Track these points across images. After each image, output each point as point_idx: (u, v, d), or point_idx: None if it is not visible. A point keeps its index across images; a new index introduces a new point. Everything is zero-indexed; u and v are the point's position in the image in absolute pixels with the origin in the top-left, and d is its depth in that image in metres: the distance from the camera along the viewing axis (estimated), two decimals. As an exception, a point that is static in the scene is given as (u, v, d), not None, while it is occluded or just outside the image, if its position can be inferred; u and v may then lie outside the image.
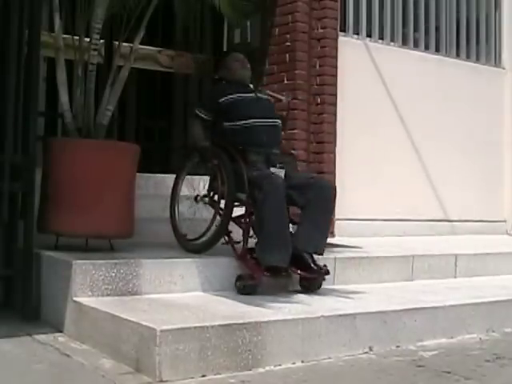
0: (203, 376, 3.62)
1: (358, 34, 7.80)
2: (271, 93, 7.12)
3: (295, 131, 6.98)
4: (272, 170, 4.96)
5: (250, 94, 5.31)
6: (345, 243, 6.32)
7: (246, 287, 4.66)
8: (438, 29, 8.58)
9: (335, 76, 7.23)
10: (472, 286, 5.66)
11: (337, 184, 6.10)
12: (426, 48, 8.44)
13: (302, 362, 3.97)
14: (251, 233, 4.89)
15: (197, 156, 5.29)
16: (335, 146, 7.10)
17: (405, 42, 8.25)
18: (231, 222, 4.98)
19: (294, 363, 3.94)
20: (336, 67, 7.25)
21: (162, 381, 3.51)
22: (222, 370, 3.68)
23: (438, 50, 8.54)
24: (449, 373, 3.86)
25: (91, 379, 3.53)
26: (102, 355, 3.90)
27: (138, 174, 5.03)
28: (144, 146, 5.15)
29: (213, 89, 5.63)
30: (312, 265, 4.81)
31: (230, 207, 4.89)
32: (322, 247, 4.88)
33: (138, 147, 5.01)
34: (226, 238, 4.99)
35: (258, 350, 3.82)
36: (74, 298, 4.27)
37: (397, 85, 7.82)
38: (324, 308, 4.33)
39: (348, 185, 6.99)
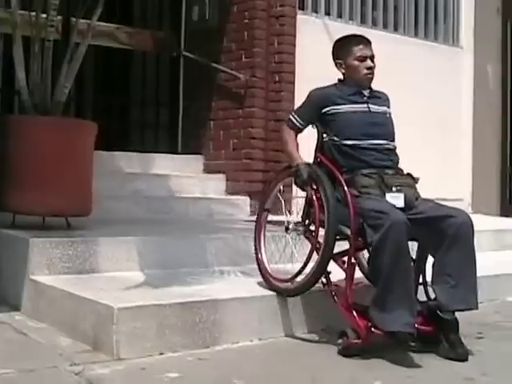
0: (161, 354, 3.64)
1: (316, 12, 7.80)
2: (229, 70, 7.15)
3: (253, 109, 7.01)
4: (388, 196, 3.97)
5: (363, 106, 4.34)
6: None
7: (349, 349, 3.77)
8: (396, 8, 8.60)
9: (293, 54, 7.23)
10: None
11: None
12: (385, 27, 8.45)
13: (260, 339, 4.01)
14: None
15: (288, 174, 4.38)
16: (294, 123, 7.11)
17: (363, 21, 8.26)
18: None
19: (251, 341, 3.98)
20: (294, 45, 7.24)
21: (119, 358, 3.52)
22: (180, 348, 3.71)
23: (396, 30, 8.56)
24: None
25: (48, 357, 3.52)
26: (59, 334, 3.90)
27: (95, 151, 5.00)
28: (101, 123, 5.11)
29: (320, 91, 4.47)
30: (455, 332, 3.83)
31: (331, 243, 3.91)
32: (475, 301, 3.91)
33: (96, 124, 4.98)
34: (324, 279, 4.03)
35: (216, 328, 3.85)
36: (31, 277, 4.25)
37: (355, 63, 7.82)
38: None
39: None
